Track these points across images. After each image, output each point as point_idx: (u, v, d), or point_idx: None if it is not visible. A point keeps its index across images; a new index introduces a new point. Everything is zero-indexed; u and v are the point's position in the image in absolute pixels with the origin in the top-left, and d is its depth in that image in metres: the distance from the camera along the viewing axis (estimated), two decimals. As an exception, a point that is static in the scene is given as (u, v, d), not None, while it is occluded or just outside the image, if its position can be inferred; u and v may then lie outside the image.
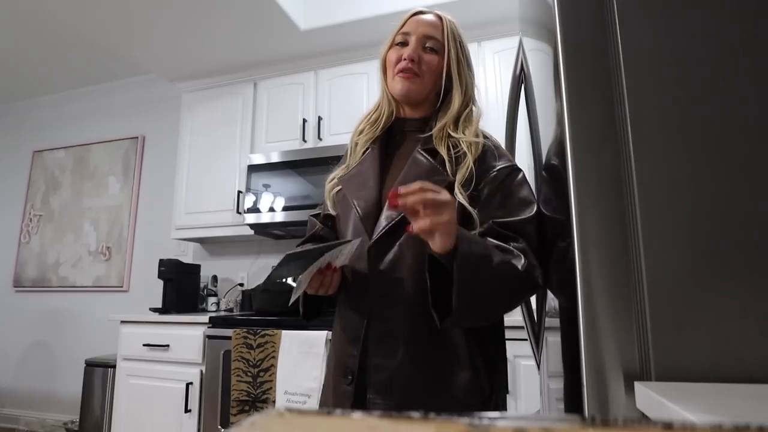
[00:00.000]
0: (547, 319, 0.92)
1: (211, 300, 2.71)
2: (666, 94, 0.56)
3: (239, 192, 2.57)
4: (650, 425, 0.14)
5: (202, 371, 2.08)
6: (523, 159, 1.26)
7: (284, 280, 0.93)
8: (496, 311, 0.77)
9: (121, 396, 2.23)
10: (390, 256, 0.81)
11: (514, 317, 1.79)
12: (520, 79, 1.09)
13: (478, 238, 0.73)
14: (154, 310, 2.45)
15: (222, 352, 2.03)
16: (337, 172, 0.96)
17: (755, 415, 0.38)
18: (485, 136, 0.86)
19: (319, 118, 2.52)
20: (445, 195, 0.64)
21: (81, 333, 3.21)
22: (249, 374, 1.89)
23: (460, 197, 0.78)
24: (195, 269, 2.72)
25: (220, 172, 2.67)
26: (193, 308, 2.64)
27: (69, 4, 2.15)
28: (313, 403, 1.73)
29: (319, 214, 1.00)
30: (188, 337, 2.13)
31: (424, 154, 0.84)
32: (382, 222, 0.82)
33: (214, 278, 2.82)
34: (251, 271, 2.82)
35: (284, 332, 1.88)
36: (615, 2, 0.60)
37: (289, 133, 2.58)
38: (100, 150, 3.44)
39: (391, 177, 0.87)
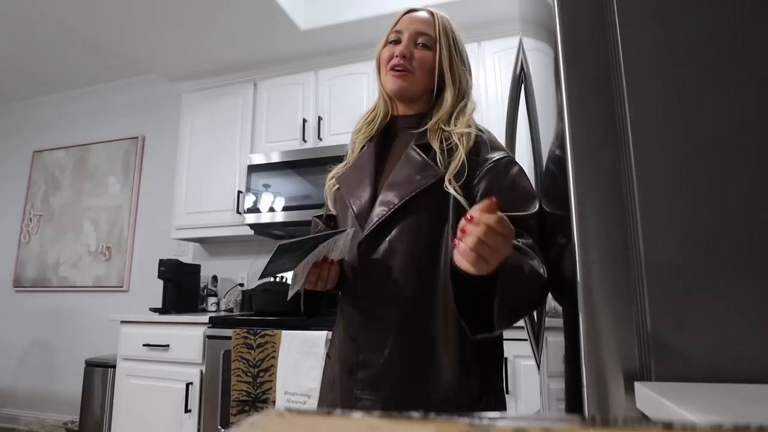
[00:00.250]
0: (547, 319, 0.92)
1: (211, 300, 2.71)
2: (666, 94, 0.56)
3: (239, 192, 2.57)
4: (650, 425, 0.14)
5: (202, 371, 2.08)
6: (523, 159, 1.26)
7: (282, 278, 0.92)
8: (521, 317, 0.77)
9: (121, 396, 2.23)
10: (380, 252, 0.81)
11: (514, 317, 1.79)
12: (520, 79, 1.09)
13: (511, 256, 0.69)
14: (154, 310, 2.45)
15: (222, 352, 2.03)
16: (336, 170, 0.97)
17: (755, 415, 0.38)
18: (480, 129, 0.85)
19: (319, 118, 2.52)
20: (510, 230, 0.59)
21: (81, 333, 3.21)
22: (249, 374, 1.89)
23: (451, 189, 0.78)
24: (195, 269, 2.72)
25: (220, 172, 2.67)
26: (193, 308, 2.64)
27: (69, 4, 2.15)
28: (313, 403, 1.73)
29: (323, 215, 1.00)
30: (188, 337, 2.13)
31: (417, 149, 0.84)
32: (373, 218, 0.82)
33: (214, 278, 2.82)
34: (251, 271, 2.82)
35: (284, 332, 1.88)
36: (615, 2, 0.60)
37: (289, 133, 2.58)
38: (100, 150, 3.44)
39: (385, 174, 0.87)
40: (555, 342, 0.78)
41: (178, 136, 2.89)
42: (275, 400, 1.82)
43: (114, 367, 2.33)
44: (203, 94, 2.84)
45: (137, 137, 3.34)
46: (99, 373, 2.47)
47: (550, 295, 0.82)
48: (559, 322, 0.71)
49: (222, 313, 2.49)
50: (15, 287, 3.50)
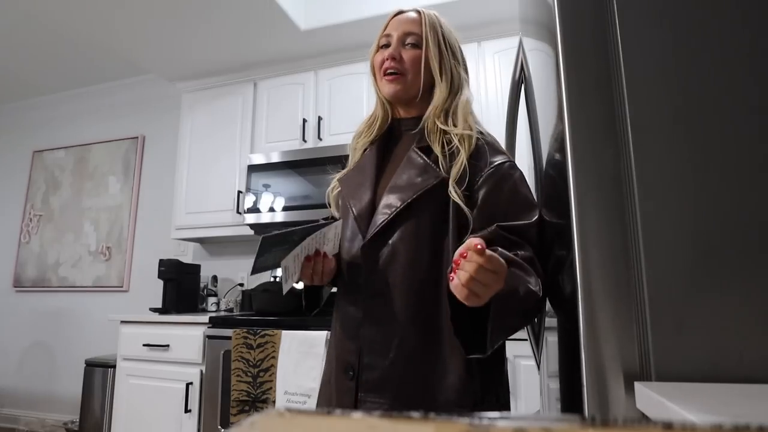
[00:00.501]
0: (547, 319, 0.92)
1: (211, 300, 2.71)
2: (666, 94, 0.56)
3: (239, 192, 2.57)
4: (650, 425, 0.14)
5: (202, 371, 2.08)
6: (523, 159, 1.26)
7: (278, 277, 0.94)
8: (513, 333, 0.77)
9: (121, 396, 2.23)
10: (383, 256, 0.81)
11: (514, 317, 1.79)
12: (520, 79, 1.09)
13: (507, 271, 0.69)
14: (154, 310, 2.45)
15: (222, 352, 2.03)
16: (339, 174, 0.98)
17: (755, 415, 0.38)
18: (480, 132, 0.85)
19: (319, 118, 2.52)
20: (501, 266, 0.61)
21: (81, 333, 3.21)
22: (249, 374, 1.89)
23: (454, 195, 0.78)
24: (195, 269, 2.72)
25: (220, 172, 2.67)
26: (193, 308, 2.64)
27: (69, 4, 2.15)
28: (313, 403, 1.73)
29: (328, 218, 1.02)
30: (188, 337, 2.13)
31: (419, 152, 0.84)
32: (377, 221, 0.82)
33: (214, 278, 2.82)
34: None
35: (284, 332, 1.88)
36: (615, 2, 0.60)
37: (289, 133, 2.58)
38: (100, 150, 3.44)
39: (386, 176, 0.88)
40: (555, 342, 0.78)
41: (178, 136, 2.89)
42: (275, 400, 1.82)
43: (114, 367, 2.33)
44: (203, 94, 2.84)
45: (137, 137, 3.34)
46: (99, 373, 2.47)
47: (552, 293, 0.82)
48: (559, 322, 0.71)
49: (222, 313, 2.49)
50: (15, 287, 3.50)
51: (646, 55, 0.58)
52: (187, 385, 2.07)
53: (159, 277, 2.52)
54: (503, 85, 2.21)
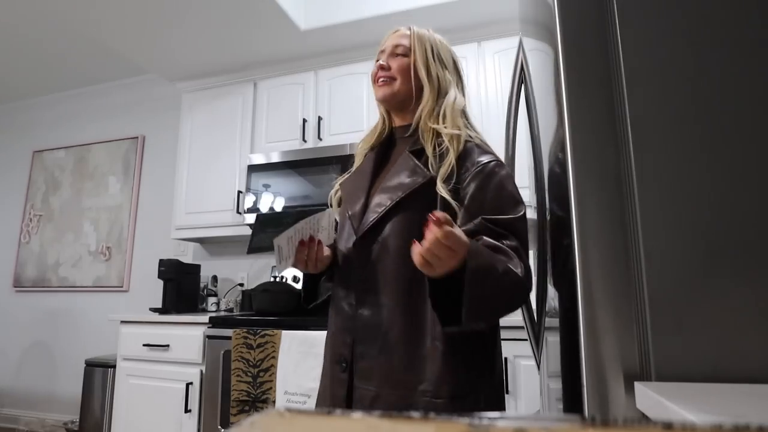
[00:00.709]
0: (547, 319, 0.92)
1: (211, 300, 2.71)
2: (666, 94, 0.56)
3: (239, 192, 2.57)
4: (650, 425, 0.14)
5: (202, 371, 2.08)
6: (523, 159, 1.26)
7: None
8: (497, 315, 0.81)
9: (121, 396, 2.23)
10: (374, 251, 0.86)
11: (514, 317, 1.79)
12: (520, 79, 1.09)
13: (482, 248, 0.73)
14: (154, 310, 2.45)
15: (222, 352, 2.03)
16: (340, 178, 1.05)
17: (755, 415, 0.38)
18: (470, 135, 0.89)
19: (319, 118, 2.52)
20: (459, 244, 0.66)
21: (81, 333, 3.21)
22: (249, 374, 1.89)
23: (443, 191, 0.82)
24: (195, 269, 2.72)
25: (220, 172, 2.67)
26: (193, 308, 2.64)
27: (69, 4, 2.15)
28: (313, 403, 1.73)
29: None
30: (188, 337, 2.13)
31: (410, 155, 0.89)
32: (368, 219, 0.88)
33: (214, 278, 2.82)
34: (251, 271, 2.82)
35: (284, 332, 1.88)
36: (615, 2, 0.60)
37: (289, 133, 2.58)
38: (100, 150, 3.44)
39: (381, 179, 0.93)
40: (555, 342, 0.78)
41: (178, 136, 2.88)
42: (275, 400, 1.82)
43: (114, 367, 2.33)
44: (203, 94, 2.84)
45: (137, 137, 3.34)
46: (99, 373, 2.47)
47: (550, 295, 0.82)
48: (559, 322, 0.71)
49: (222, 313, 2.49)
50: (15, 287, 3.50)
51: (646, 55, 0.58)
52: (187, 385, 2.07)
53: (159, 277, 2.52)
54: (503, 85, 2.21)
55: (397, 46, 0.95)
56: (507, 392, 1.67)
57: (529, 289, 0.78)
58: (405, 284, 0.83)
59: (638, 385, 0.49)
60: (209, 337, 2.08)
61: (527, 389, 1.67)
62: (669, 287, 0.52)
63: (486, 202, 0.81)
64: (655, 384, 0.49)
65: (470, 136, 0.88)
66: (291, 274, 2.48)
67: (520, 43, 1.10)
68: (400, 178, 0.87)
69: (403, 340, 0.82)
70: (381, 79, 0.94)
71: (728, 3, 0.57)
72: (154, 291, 2.78)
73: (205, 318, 2.14)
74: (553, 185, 0.72)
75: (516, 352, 1.68)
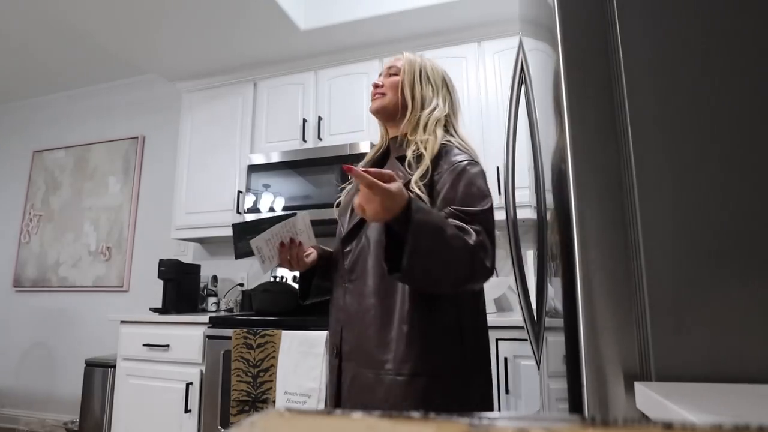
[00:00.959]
0: (547, 319, 0.92)
1: (211, 300, 2.71)
2: (666, 94, 0.56)
3: (239, 192, 2.57)
4: (650, 425, 0.14)
5: (202, 371, 2.08)
6: (523, 159, 1.26)
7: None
8: (442, 278, 0.84)
9: (121, 396, 2.23)
10: (359, 246, 0.99)
11: (514, 317, 1.79)
12: (520, 79, 1.09)
13: (436, 212, 0.84)
14: (154, 310, 2.45)
15: (222, 352, 2.03)
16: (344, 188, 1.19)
17: (755, 415, 0.38)
18: (450, 138, 1.02)
19: (319, 118, 2.52)
20: (381, 187, 0.74)
21: (81, 333, 3.21)
22: (249, 374, 1.89)
23: (417, 190, 0.92)
24: (195, 269, 2.72)
25: (220, 172, 2.67)
26: (193, 308, 2.64)
27: (69, 4, 2.15)
28: (313, 403, 1.73)
29: None
30: (188, 337, 2.13)
31: (396, 161, 1.03)
32: (353, 219, 1.02)
33: (214, 278, 2.82)
34: (251, 271, 2.82)
35: (284, 332, 1.88)
36: (615, 2, 0.60)
37: (289, 133, 2.58)
38: (100, 150, 3.44)
39: None
40: (555, 342, 0.78)
41: (178, 136, 2.88)
42: (275, 400, 1.82)
43: (114, 367, 2.33)
44: (203, 94, 2.84)
45: (137, 137, 3.34)
46: (99, 373, 2.47)
47: (550, 295, 0.82)
48: (559, 322, 0.71)
49: (222, 313, 2.49)
50: (15, 287, 3.50)
51: (646, 55, 0.58)
52: (187, 385, 2.07)
53: (159, 277, 2.52)
54: (503, 85, 2.21)
55: (391, 67, 1.10)
56: (507, 392, 1.67)
57: (483, 267, 0.84)
58: (380, 273, 0.92)
59: (638, 385, 0.49)
60: (209, 337, 2.08)
61: (527, 389, 1.67)
62: (669, 287, 0.52)
63: (456, 196, 0.90)
64: (655, 384, 0.49)
65: (449, 140, 1.00)
66: (291, 275, 2.48)
67: (520, 43, 1.10)
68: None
69: (375, 324, 0.93)
70: (375, 95, 1.09)
71: (728, 3, 0.57)
72: (154, 291, 2.78)
73: (205, 318, 2.14)
74: (553, 185, 0.72)
75: (516, 352, 1.68)
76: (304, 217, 1.01)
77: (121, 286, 3.16)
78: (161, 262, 2.52)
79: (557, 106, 0.63)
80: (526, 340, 1.09)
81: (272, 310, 2.18)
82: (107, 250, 3.24)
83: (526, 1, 1.06)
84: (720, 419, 0.35)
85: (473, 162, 0.96)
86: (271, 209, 2.40)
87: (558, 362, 0.75)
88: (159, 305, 2.54)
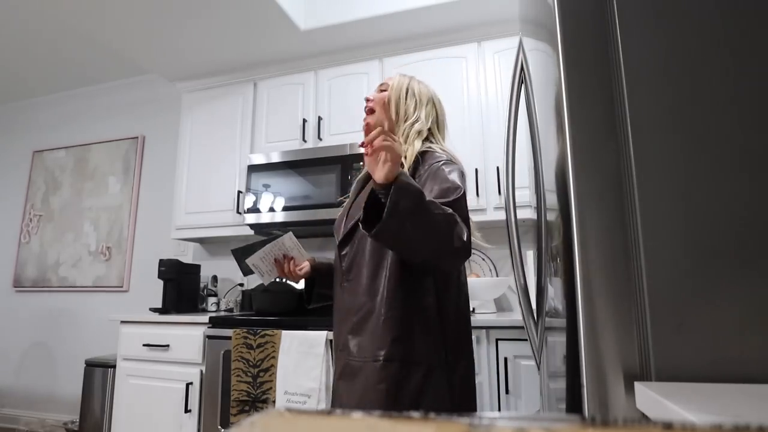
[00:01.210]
0: (547, 319, 0.92)
1: (211, 300, 2.71)
2: (666, 94, 0.56)
3: (239, 192, 2.57)
4: (650, 425, 0.14)
5: (202, 371, 2.08)
6: (523, 159, 1.26)
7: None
8: (419, 244, 0.90)
9: (121, 396, 2.23)
10: (352, 250, 1.10)
11: (514, 317, 1.79)
12: (520, 79, 1.08)
13: (414, 181, 0.91)
14: (154, 310, 2.45)
15: (222, 352, 2.03)
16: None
17: (755, 415, 0.38)
18: (430, 146, 1.12)
19: (319, 118, 2.52)
20: (396, 145, 0.85)
21: (81, 333, 3.21)
22: (249, 374, 1.89)
23: None
24: (195, 269, 2.72)
25: (220, 172, 2.67)
26: (193, 308, 2.64)
27: (69, 4, 2.15)
28: (313, 403, 1.73)
29: None
30: (188, 337, 2.13)
31: None
32: (347, 226, 1.14)
33: (214, 278, 2.82)
34: (251, 271, 2.82)
35: (284, 332, 1.88)
36: (615, 2, 0.60)
37: (289, 133, 2.58)
38: (100, 150, 3.44)
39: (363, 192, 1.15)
40: (555, 342, 0.78)
41: (178, 136, 2.88)
42: (275, 400, 1.82)
43: (114, 367, 2.33)
44: (203, 94, 2.84)
45: (137, 137, 3.34)
46: (99, 373, 2.47)
47: (550, 295, 0.82)
48: (559, 322, 0.71)
49: (222, 313, 2.49)
50: (15, 287, 3.50)
51: (646, 55, 0.58)
52: (187, 385, 2.07)
53: (159, 277, 2.52)
54: (503, 85, 2.21)
55: (381, 84, 1.22)
56: (507, 392, 1.67)
57: (459, 236, 0.90)
58: (371, 271, 1.04)
59: (638, 385, 0.49)
60: (209, 337, 2.08)
61: (527, 389, 1.67)
62: (669, 287, 0.52)
63: (433, 190, 0.99)
64: (655, 384, 0.49)
65: (430, 147, 1.11)
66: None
67: (520, 43, 1.10)
68: (367, 191, 1.08)
69: (362, 317, 1.03)
70: (366, 109, 1.20)
71: (728, 3, 0.57)
72: (154, 291, 2.78)
73: (205, 318, 2.14)
74: (553, 185, 0.72)
75: (516, 352, 1.68)
76: (290, 237, 1.17)
77: (121, 286, 3.16)
78: (161, 262, 2.52)
79: (557, 106, 0.63)
80: (526, 340, 1.09)
81: (272, 310, 2.18)
82: (107, 250, 3.25)
83: (526, 1, 1.06)
84: (720, 419, 0.35)
85: (449, 162, 1.06)
86: (271, 209, 2.40)
87: (558, 362, 0.75)
88: (159, 305, 2.54)
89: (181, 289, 2.57)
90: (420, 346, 0.98)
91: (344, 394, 1.02)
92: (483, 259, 2.35)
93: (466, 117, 2.24)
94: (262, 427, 0.17)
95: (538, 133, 0.93)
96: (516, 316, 1.78)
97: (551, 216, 0.77)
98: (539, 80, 0.85)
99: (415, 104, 1.17)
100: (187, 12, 2.23)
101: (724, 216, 0.52)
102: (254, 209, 2.44)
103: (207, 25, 2.34)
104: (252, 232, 2.52)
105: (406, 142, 1.11)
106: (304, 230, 2.48)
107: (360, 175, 1.24)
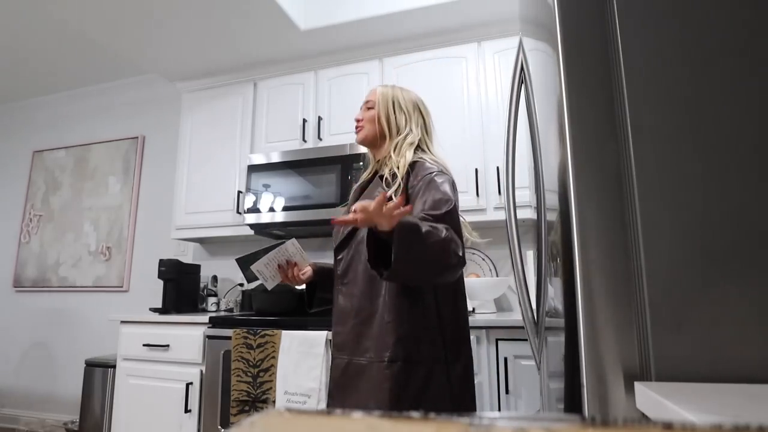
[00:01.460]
0: (547, 319, 0.92)
1: (211, 300, 2.71)
2: (666, 94, 0.56)
3: (239, 192, 2.57)
4: (650, 425, 0.14)
5: (202, 371, 2.08)
6: (524, 159, 1.26)
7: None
8: (426, 270, 0.97)
9: (121, 396, 2.23)
10: (349, 254, 1.15)
11: (514, 317, 1.79)
12: (520, 79, 1.09)
13: (412, 217, 0.97)
14: (154, 310, 2.45)
15: (222, 352, 2.03)
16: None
17: (755, 415, 0.38)
18: (423, 152, 1.18)
19: (319, 118, 2.52)
20: (377, 211, 0.89)
21: (81, 333, 3.21)
22: (249, 374, 1.89)
23: (395, 199, 1.04)
24: (195, 269, 2.72)
25: (220, 172, 2.67)
26: (193, 308, 2.64)
27: (69, 3, 2.15)
28: (313, 403, 1.73)
29: None
30: (188, 337, 2.13)
31: (379, 179, 1.18)
32: (344, 231, 1.19)
33: (214, 278, 2.82)
34: (251, 271, 2.82)
35: (284, 332, 1.88)
36: (615, 2, 0.60)
37: (289, 133, 2.58)
38: (100, 150, 3.44)
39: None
40: (555, 342, 0.78)
41: (178, 136, 2.88)
42: (275, 400, 1.82)
43: (114, 367, 2.33)
44: (203, 94, 2.84)
45: (137, 137, 3.34)
46: (99, 373, 2.47)
47: (550, 295, 0.82)
48: (559, 322, 0.71)
49: (222, 313, 2.49)
50: (15, 287, 3.50)
51: (646, 55, 0.58)
52: (187, 385, 2.07)
53: (159, 277, 2.52)
54: (503, 85, 2.21)
55: (367, 101, 1.27)
56: (507, 392, 1.67)
57: (455, 252, 0.96)
58: (369, 274, 1.08)
59: (638, 385, 0.49)
60: (209, 337, 2.08)
61: (527, 389, 1.67)
62: (669, 287, 0.52)
63: (426, 202, 1.05)
64: (655, 384, 0.49)
65: (421, 157, 1.15)
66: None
67: (520, 43, 1.10)
68: (369, 197, 1.16)
69: (362, 319, 1.08)
70: (356, 128, 1.25)
71: (728, 4, 0.57)
72: (154, 291, 2.78)
73: (205, 318, 2.14)
74: (553, 185, 0.72)
75: (516, 352, 1.68)
76: (293, 243, 1.21)
77: (121, 286, 3.16)
78: (161, 262, 2.52)
79: (557, 106, 0.63)
80: (526, 340, 1.09)
81: (272, 310, 2.18)
82: (107, 250, 3.25)
83: (526, 1, 1.06)
84: (720, 419, 0.35)
85: (441, 173, 1.11)
86: (271, 209, 2.40)
87: (558, 362, 0.75)
88: (159, 305, 2.54)
89: (181, 289, 2.57)
90: (421, 346, 1.04)
91: (347, 393, 1.06)
92: (483, 259, 2.35)
93: (466, 117, 2.24)
94: (262, 427, 0.17)
95: (538, 133, 0.93)
96: (516, 316, 1.78)
97: (551, 216, 0.77)
98: (539, 80, 0.85)
99: (405, 118, 1.22)
100: (187, 12, 2.23)
101: (724, 215, 0.52)
102: (254, 209, 2.44)
103: (207, 25, 2.34)
104: (252, 232, 2.52)
105: (398, 154, 1.17)
106: (304, 230, 2.48)
107: (358, 183, 1.28)
